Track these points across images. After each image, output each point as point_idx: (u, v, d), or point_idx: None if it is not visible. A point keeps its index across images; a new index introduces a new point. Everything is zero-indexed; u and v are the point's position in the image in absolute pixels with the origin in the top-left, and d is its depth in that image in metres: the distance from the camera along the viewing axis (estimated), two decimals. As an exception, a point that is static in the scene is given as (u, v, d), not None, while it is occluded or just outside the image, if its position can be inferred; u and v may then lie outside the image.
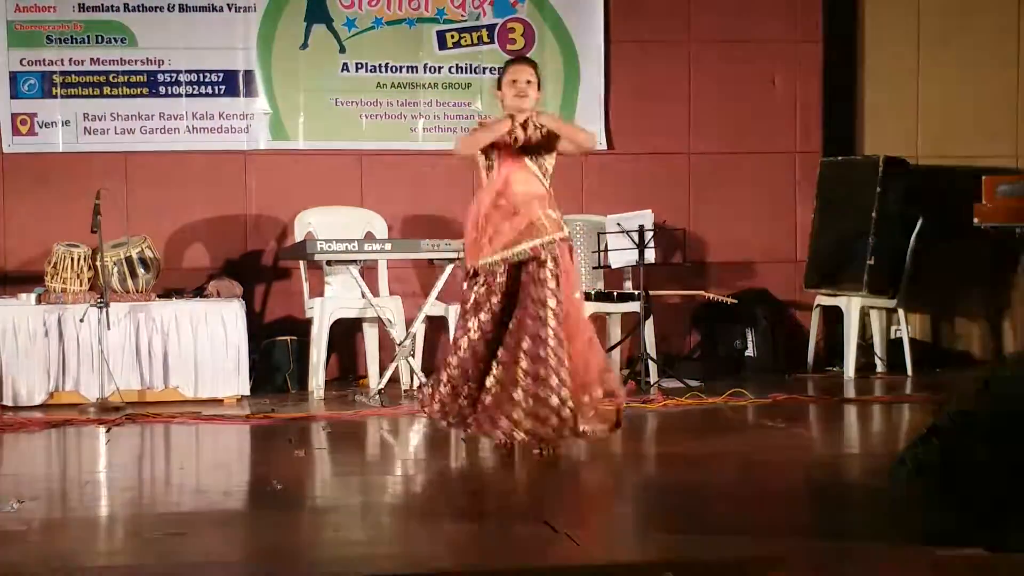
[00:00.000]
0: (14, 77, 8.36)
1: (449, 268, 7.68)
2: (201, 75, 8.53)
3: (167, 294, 7.90)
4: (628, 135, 8.99)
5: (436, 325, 8.27)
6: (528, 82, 5.68)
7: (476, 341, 5.59)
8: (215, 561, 3.93)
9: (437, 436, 6.53)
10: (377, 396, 7.50)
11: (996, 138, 9.26)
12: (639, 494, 5.15)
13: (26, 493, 4.99)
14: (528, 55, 8.77)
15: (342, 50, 8.69)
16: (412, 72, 8.77)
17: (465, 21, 8.82)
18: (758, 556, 3.80)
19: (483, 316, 5.60)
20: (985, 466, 3.81)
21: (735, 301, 8.62)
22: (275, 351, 8.16)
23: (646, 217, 8.32)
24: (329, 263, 7.70)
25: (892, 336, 8.91)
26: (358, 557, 3.99)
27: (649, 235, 8.20)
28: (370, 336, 8.19)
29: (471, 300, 5.64)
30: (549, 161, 5.77)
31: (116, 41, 8.44)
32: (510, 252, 5.61)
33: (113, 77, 8.46)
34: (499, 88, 5.79)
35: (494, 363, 5.55)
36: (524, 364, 5.46)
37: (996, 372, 3.89)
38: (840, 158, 8.92)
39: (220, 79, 8.55)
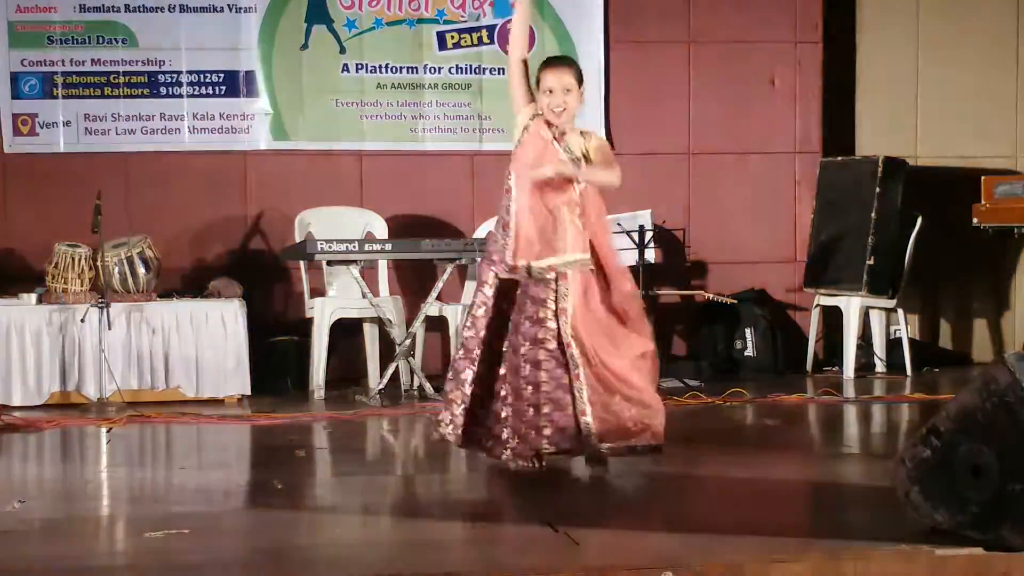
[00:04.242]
0: (15, 78, 8.37)
1: (449, 268, 7.69)
2: (202, 75, 8.54)
3: (168, 294, 7.90)
4: (628, 135, 8.99)
5: (436, 325, 8.27)
6: (568, 91, 5.23)
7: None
8: (215, 561, 3.93)
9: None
10: (377, 396, 7.50)
11: (995, 138, 9.26)
12: (638, 494, 5.16)
13: (27, 493, 5.00)
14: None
15: (342, 51, 8.70)
16: (412, 73, 8.77)
17: (465, 22, 8.82)
18: (758, 556, 3.81)
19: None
20: (985, 466, 3.82)
21: (735, 301, 8.63)
22: (275, 351, 8.16)
23: (646, 217, 8.33)
24: (329, 263, 7.70)
25: (891, 336, 8.91)
26: (357, 557, 4.00)
27: (649, 235, 8.20)
28: (370, 336, 8.19)
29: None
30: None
31: (117, 42, 8.45)
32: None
33: (114, 78, 8.46)
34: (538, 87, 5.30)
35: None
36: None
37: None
38: (840, 158, 8.93)
39: (221, 79, 8.55)
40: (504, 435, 5.20)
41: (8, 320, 7.44)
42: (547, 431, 5.17)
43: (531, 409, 5.16)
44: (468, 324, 5.34)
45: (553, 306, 5.17)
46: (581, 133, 5.36)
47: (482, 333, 5.26)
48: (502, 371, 5.23)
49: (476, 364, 5.26)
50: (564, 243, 5.20)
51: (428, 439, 6.50)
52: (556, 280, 5.18)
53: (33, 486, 5.30)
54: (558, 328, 5.15)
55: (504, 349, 5.23)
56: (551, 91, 5.23)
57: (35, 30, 8.37)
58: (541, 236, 5.19)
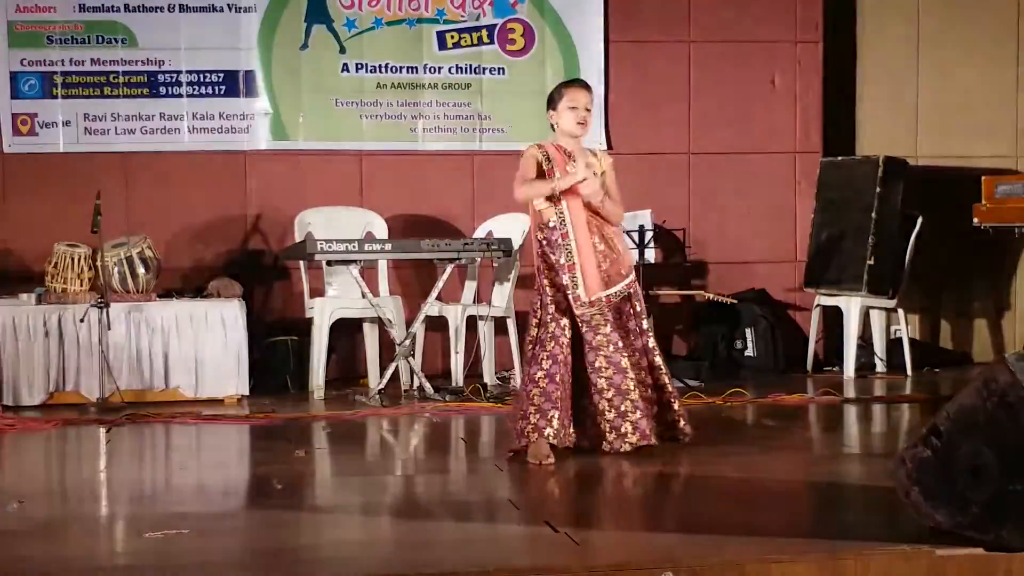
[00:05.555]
0: (15, 77, 8.37)
1: (449, 268, 7.68)
2: (202, 75, 8.53)
3: (167, 294, 7.90)
4: (628, 135, 8.99)
5: (436, 325, 8.27)
6: (587, 109, 5.56)
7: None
8: (215, 561, 3.93)
9: (437, 436, 6.54)
10: (377, 396, 7.49)
11: (996, 138, 9.26)
12: (639, 494, 5.15)
13: (27, 493, 4.99)
14: (528, 55, 8.81)
15: (342, 50, 8.70)
16: (412, 72, 8.77)
17: (465, 21, 8.82)
18: (758, 556, 3.81)
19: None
20: (985, 466, 3.82)
21: (735, 301, 8.62)
22: (275, 351, 8.16)
23: (646, 217, 8.33)
24: (329, 263, 7.69)
25: (892, 336, 8.91)
26: (358, 557, 4.00)
27: (649, 235, 8.20)
28: (370, 336, 8.19)
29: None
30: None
31: (117, 41, 8.45)
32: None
33: (114, 77, 8.46)
34: (552, 108, 5.60)
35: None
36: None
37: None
38: (840, 158, 8.92)
39: (220, 79, 8.55)
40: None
41: (8, 320, 7.44)
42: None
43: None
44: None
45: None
46: (591, 152, 5.70)
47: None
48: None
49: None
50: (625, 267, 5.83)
51: (428, 439, 6.50)
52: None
53: (33, 486, 5.30)
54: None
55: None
56: (575, 108, 5.54)
57: (35, 30, 8.37)
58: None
